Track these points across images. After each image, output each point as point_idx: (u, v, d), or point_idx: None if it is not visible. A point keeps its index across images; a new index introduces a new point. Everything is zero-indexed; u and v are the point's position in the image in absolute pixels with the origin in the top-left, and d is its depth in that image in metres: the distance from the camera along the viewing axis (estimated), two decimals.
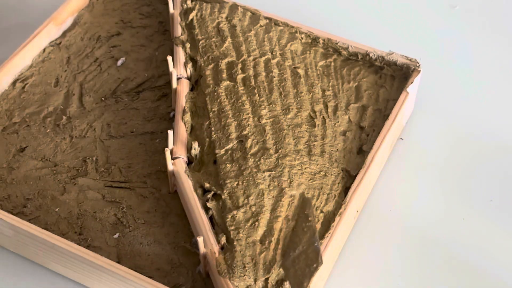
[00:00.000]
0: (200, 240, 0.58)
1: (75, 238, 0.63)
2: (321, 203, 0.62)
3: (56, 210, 0.65)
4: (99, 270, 0.59)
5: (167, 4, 0.80)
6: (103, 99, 0.74)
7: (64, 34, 0.80)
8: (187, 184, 0.63)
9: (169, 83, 0.74)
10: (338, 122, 0.69)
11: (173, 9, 0.78)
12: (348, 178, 0.65)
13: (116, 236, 0.63)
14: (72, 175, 0.67)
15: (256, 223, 0.60)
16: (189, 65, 0.73)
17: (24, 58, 0.76)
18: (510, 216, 0.67)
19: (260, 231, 0.60)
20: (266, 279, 0.57)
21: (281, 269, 0.58)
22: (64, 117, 0.72)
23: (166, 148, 0.64)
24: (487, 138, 0.73)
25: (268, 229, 0.60)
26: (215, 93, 0.69)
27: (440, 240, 0.65)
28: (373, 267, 0.63)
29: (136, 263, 0.61)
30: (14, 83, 0.75)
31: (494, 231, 0.66)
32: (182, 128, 0.67)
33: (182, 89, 0.71)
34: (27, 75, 0.76)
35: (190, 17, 0.76)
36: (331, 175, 0.64)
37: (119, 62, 0.77)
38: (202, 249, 0.58)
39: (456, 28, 0.84)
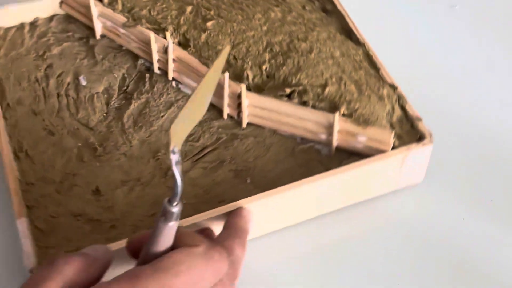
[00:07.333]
0: None
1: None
2: None
3: None
4: None
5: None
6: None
7: None
8: None
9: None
10: None
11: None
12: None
13: None
14: None
15: None
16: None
17: None
18: (510, 216, 0.67)
19: None
20: None
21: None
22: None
23: None
24: (488, 138, 0.73)
25: None
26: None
27: (440, 240, 0.65)
28: (373, 267, 0.63)
29: None
30: None
31: (494, 231, 0.66)
32: None
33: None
34: None
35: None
36: None
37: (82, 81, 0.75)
38: None
39: (456, 28, 0.84)
